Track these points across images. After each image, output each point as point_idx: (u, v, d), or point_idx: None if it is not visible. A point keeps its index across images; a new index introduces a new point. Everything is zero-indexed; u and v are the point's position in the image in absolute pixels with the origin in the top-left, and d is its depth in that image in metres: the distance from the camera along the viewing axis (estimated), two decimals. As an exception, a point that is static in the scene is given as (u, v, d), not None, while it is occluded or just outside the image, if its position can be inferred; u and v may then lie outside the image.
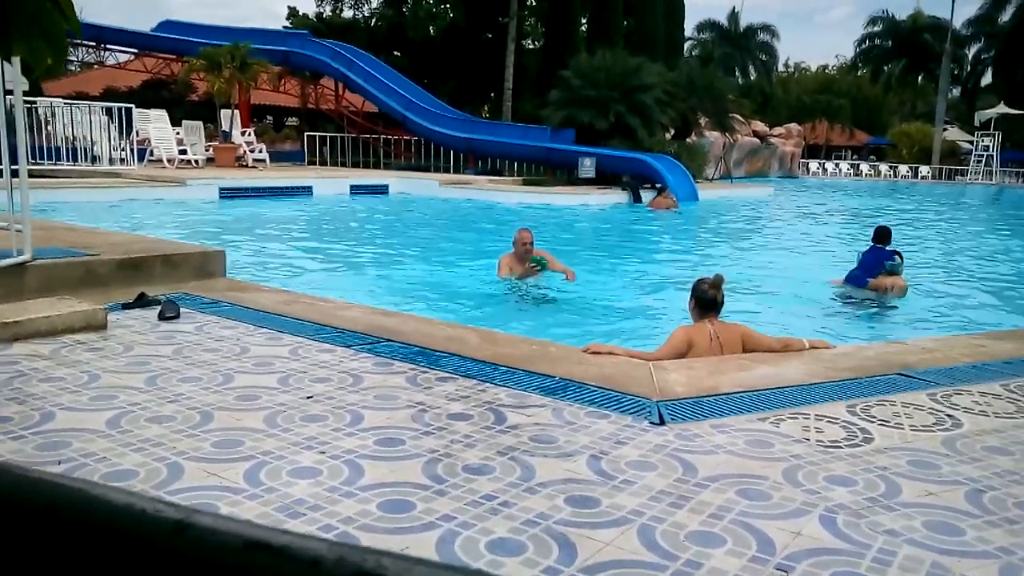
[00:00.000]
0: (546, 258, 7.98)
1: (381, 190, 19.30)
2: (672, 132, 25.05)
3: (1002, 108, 40.36)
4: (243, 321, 4.56)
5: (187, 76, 24.30)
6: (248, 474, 2.47)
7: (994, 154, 39.45)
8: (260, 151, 22.66)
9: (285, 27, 38.97)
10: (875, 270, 8.07)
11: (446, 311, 6.94)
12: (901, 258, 8.08)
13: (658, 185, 18.85)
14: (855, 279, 8.18)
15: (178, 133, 21.48)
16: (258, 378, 3.49)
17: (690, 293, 4.86)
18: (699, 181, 22.33)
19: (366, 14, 42.99)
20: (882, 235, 8.47)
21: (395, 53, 39.04)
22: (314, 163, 26.75)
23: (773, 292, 8.68)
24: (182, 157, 20.77)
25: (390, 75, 27.99)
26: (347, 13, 42.60)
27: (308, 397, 3.26)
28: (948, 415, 3.33)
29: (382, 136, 29.16)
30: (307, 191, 17.77)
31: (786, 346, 4.46)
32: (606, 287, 8.55)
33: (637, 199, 18.76)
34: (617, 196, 19.33)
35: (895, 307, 7.83)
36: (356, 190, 18.71)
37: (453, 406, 3.20)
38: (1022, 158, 46.25)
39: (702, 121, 26.79)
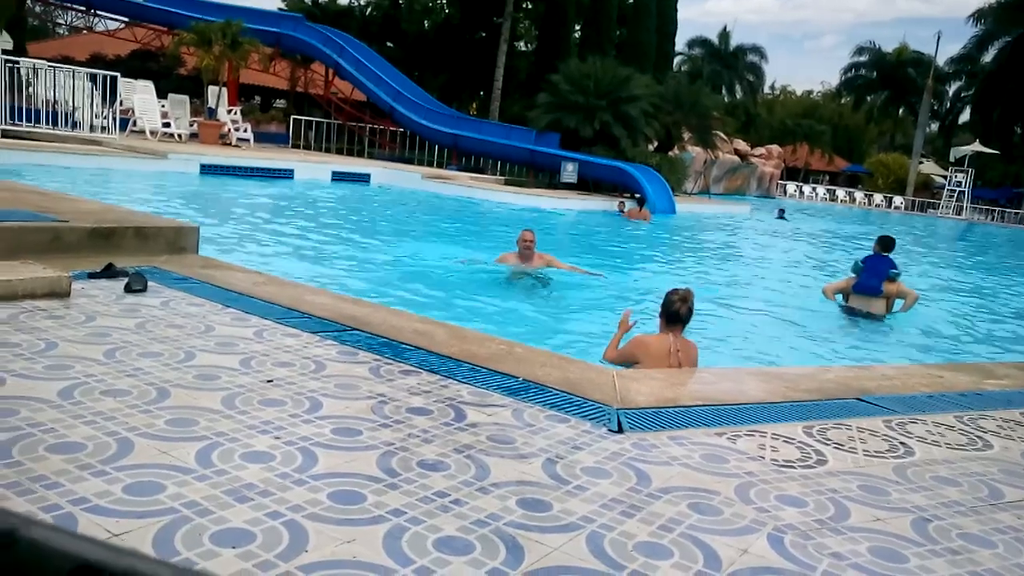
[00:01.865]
0: (553, 263, 8.46)
1: (363, 179, 19.21)
2: (655, 144, 25.21)
3: (977, 146, 41.10)
4: (211, 299, 4.51)
5: (176, 50, 24.01)
6: (200, 454, 2.44)
7: (966, 190, 40.14)
8: (245, 130, 22.46)
9: (280, 9, 38.60)
10: (883, 278, 8.09)
11: (417, 304, 6.92)
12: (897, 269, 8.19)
13: (637, 196, 18.94)
14: (867, 288, 8.13)
15: (163, 106, 21.22)
16: (220, 358, 3.46)
17: (661, 303, 4.89)
18: (678, 195, 22.48)
19: (361, 3, 42.74)
20: (887, 244, 8.39)
21: (388, 44, 38.83)
22: (298, 147, 26.58)
23: (749, 307, 8.77)
24: (165, 130, 20.53)
25: (381, 65, 27.87)
26: (342, 0, 42.34)
27: (268, 381, 3.23)
28: (901, 443, 3.37)
29: (368, 125, 29.03)
30: (288, 174, 17.64)
31: None
32: (584, 290, 8.58)
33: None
34: (598, 203, 19.40)
35: (889, 319, 7.93)
36: (338, 177, 18.62)
37: (414, 400, 3.19)
38: (992, 196, 47.16)
39: (685, 135, 26.98)
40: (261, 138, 24.83)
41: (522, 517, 2.30)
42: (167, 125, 20.66)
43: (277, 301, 4.66)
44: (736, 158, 34.96)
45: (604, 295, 8.58)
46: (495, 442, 2.84)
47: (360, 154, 27.39)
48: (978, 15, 44.93)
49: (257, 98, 38.78)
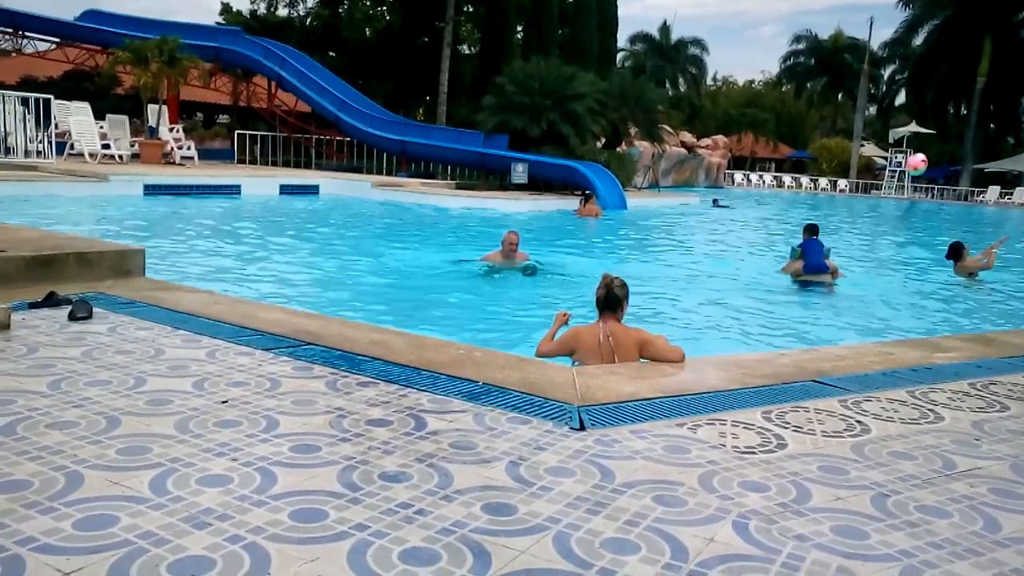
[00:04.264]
0: (534, 264, 9.20)
1: (312, 190, 19.01)
2: (603, 141, 25.38)
3: (914, 127, 42.24)
4: (160, 322, 4.41)
5: (112, 69, 23.50)
6: (154, 482, 2.38)
7: (906, 170, 41.16)
8: (188, 148, 22.08)
9: (218, 23, 38.06)
10: (822, 256, 9.64)
11: (373, 314, 6.86)
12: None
13: (586, 192, 19.05)
14: (818, 267, 9.59)
15: (101, 127, 20.76)
16: (172, 382, 3.38)
17: None
18: (628, 189, 22.67)
19: (301, 13, 42.34)
20: (814, 229, 10.02)
21: (330, 53, 38.54)
22: (244, 162, 26.21)
23: (704, 295, 8.87)
24: (105, 152, 20.07)
25: (324, 75, 27.63)
26: (282, 11, 41.88)
27: (223, 402, 3.16)
28: (858, 421, 3.43)
29: (314, 136, 28.76)
30: (235, 190, 17.38)
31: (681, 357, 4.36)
32: (540, 289, 8.60)
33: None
34: (550, 202, 19.46)
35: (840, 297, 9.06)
36: (286, 190, 18.40)
37: (373, 412, 3.15)
38: (931, 175, 48.47)
39: (632, 131, 27.22)
40: (206, 155, 24.44)
41: (487, 522, 2.28)
42: (106, 147, 20.20)
43: (229, 320, 4.57)
44: (683, 150, 35.37)
45: (565, 292, 8.60)
46: (457, 449, 2.82)
47: (308, 166, 27.12)
48: (907, 0, 46.14)
49: (199, 115, 38.18)
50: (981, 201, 38.74)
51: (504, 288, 8.75)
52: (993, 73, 41.68)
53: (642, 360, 4.48)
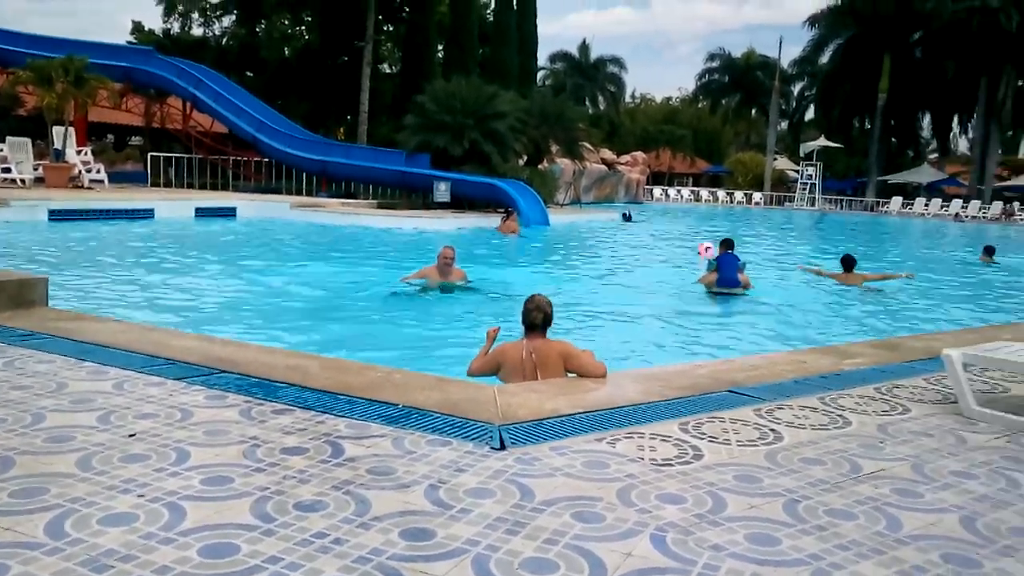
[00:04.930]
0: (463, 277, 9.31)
1: (229, 213, 18.58)
2: (525, 158, 25.59)
3: (822, 141, 43.97)
4: (64, 354, 4.22)
5: (12, 89, 22.52)
6: (50, 526, 2.27)
7: (816, 182, 42.80)
8: (98, 171, 21.32)
9: (129, 42, 36.96)
10: (735, 271, 10.02)
11: (292, 338, 6.72)
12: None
13: (507, 209, 19.13)
14: (730, 281, 9.99)
15: (1, 150, 19.85)
16: (74, 416, 3.23)
17: None
18: (550, 206, 22.89)
19: (217, 33, 41.55)
20: (729, 243, 10.47)
21: (247, 73, 37.87)
22: (158, 184, 25.43)
23: (625, 309, 8.99)
24: (5, 176, 19.20)
25: (241, 95, 27.12)
26: (196, 31, 41.03)
27: (130, 435, 3.04)
28: (771, 429, 3.52)
29: (232, 157, 28.16)
30: (148, 214, 16.85)
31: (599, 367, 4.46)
32: (465, 307, 8.57)
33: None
34: (473, 220, 19.48)
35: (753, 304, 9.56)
36: (202, 213, 17.92)
37: (288, 440, 3.08)
38: (840, 186, 50.53)
39: (553, 148, 27.52)
40: (117, 178, 23.64)
41: (406, 548, 2.25)
42: (7, 170, 19.35)
43: (139, 349, 4.42)
44: (603, 167, 35.92)
45: (490, 308, 8.60)
46: (375, 474, 2.78)
47: (225, 188, 26.48)
48: (812, 20, 48.10)
49: (110, 136, 36.91)
50: (886, 211, 40.49)
51: (428, 307, 8.71)
52: (893, 90, 43.74)
53: (568, 374, 4.52)
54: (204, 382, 3.82)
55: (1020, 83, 43.54)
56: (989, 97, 41.96)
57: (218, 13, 40.77)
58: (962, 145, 53.42)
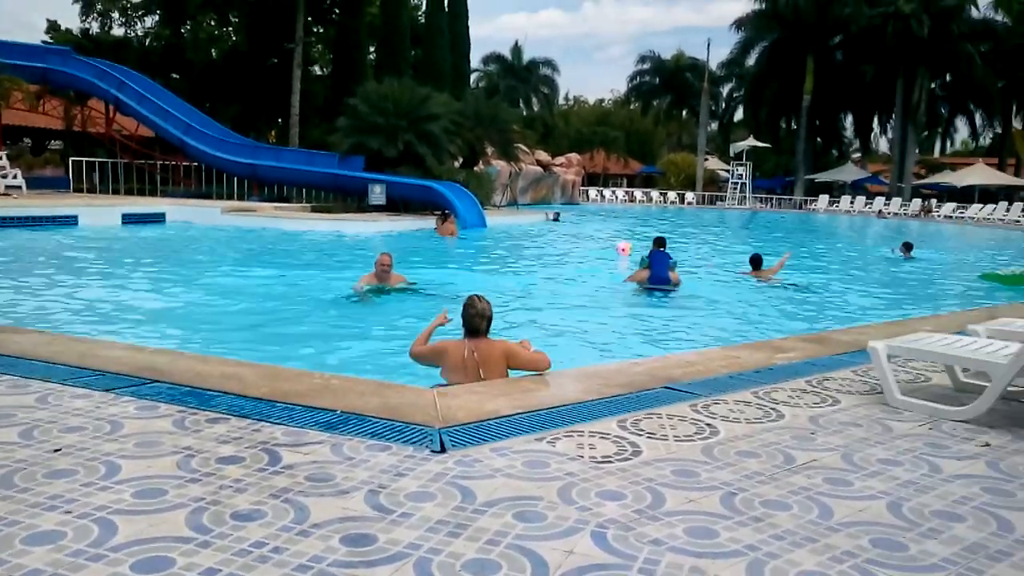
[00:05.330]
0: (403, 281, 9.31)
1: (157, 219, 18.08)
2: (460, 160, 25.57)
3: (751, 141, 45.09)
4: (-19, 368, 4.04)
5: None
6: (-28, 545, 2.17)
7: (747, 182, 43.85)
8: (14, 176, 20.53)
9: (44, 42, 35.60)
10: (666, 268, 10.24)
11: (228, 346, 6.57)
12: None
13: (445, 212, 19.11)
14: (661, 279, 10.22)
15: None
16: (-5, 433, 3.10)
17: None
18: (487, 208, 22.92)
19: (140, 33, 40.36)
20: (662, 241, 10.74)
21: (173, 75, 36.89)
22: (81, 190, 24.56)
23: (563, 308, 9.06)
24: (-87, 183, 18.31)
25: (167, 98, 26.39)
26: (117, 31, 39.78)
27: (55, 450, 2.93)
28: (707, 424, 3.59)
29: (159, 162, 27.41)
30: (72, 221, 16.27)
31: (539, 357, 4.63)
32: (405, 310, 8.51)
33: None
34: (409, 222, 19.37)
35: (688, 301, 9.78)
36: (129, 219, 17.40)
37: (223, 449, 3.01)
38: (769, 185, 51.88)
39: (489, 150, 27.57)
40: (36, 184, 22.77)
41: (346, 555, 2.22)
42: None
43: (64, 360, 4.26)
44: (539, 169, 36.12)
45: (429, 310, 8.55)
46: (314, 481, 2.74)
47: (153, 193, 25.75)
48: (739, 23, 49.26)
49: (27, 140, 35.50)
50: (813, 209, 41.72)
51: (369, 312, 8.62)
52: (817, 91, 45.13)
53: (511, 371, 4.56)
54: (134, 392, 3.71)
55: (933, 86, 45.43)
56: (905, 99, 43.67)
57: (140, 13, 39.61)
58: (883, 145, 55.41)
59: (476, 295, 4.85)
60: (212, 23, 40.33)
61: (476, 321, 4.67)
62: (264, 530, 2.35)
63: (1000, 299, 10.68)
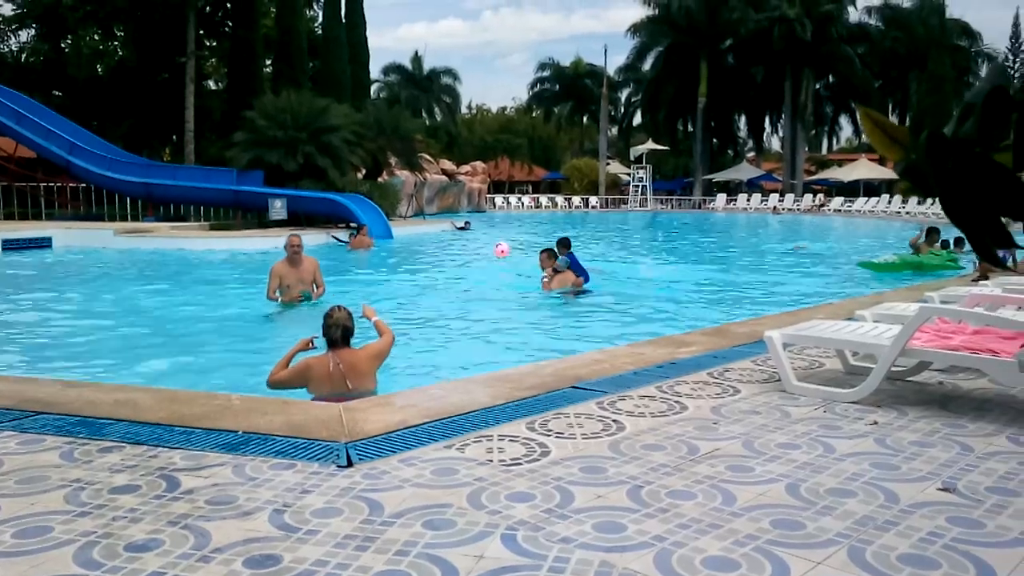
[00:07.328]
0: (318, 270, 9.17)
1: (43, 243, 17.18)
2: (363, 172, 25.28)
3: (650, 144, 46.35)
4: None
5: None
6: None
7: (647, 184, 44.98)
8: None
9: (-96, 58, 33.41)
10: (583, 269, 10.21)
11: (124, 373, 6.29)
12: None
13: (355, 225, 18.86)
14: (586, 280, 10.23)
15: None
16: None
17: None
18: (393, 219, 22.72)
19: (14, 48, 38.29)
20: (567, 243, 10.75)
21: (54, 92, 35.15)
22: (-46, 217, 23.11)
23: (472, 315, 9.05)
24: None
25: (49, 116, 25.08)
26: (-11, 47, 37.62)
27: (-72, 493, 2.74)
28: (614, 420, 3.65)
29: (43, 184, 26.04)
30: (-57, 249, 15.29)
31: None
32: (314, 324, 8.32)
33: None
34: (313, 237, 19.01)
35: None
36: (11, 245, 16.46)
37: (117, 478, 2.87)
38: (669, 187, 53.36)
39: (392, 161, 27.35)
40: (-96, 211, 21.32)
41: (250, 578, 2.15)
42: None
43: (-64, 397, 3.98)
44: (444, 178, 36.04)
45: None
46: (215, 504, 2.64)
47: (37, 217, 24.44)
48: (634, 29, 50.49)
49: None
50: (712, 208, 43.08)
51: (274, 329, 8.41)
52: (711, 93, 46.72)
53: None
54: (16, 427, 3.50)
55: (818, 86, 47.69)
56: (793, 99, 45.70)
57: (13, 27, 37.58)
58: (775, 143, 57.73)
59: (336, 305, 4.88)
60: (96, 37, 38.63)
61: (332, 331, 4.70)
62: (161, 559, 2.25)
63: (883, 286, 11.26)
